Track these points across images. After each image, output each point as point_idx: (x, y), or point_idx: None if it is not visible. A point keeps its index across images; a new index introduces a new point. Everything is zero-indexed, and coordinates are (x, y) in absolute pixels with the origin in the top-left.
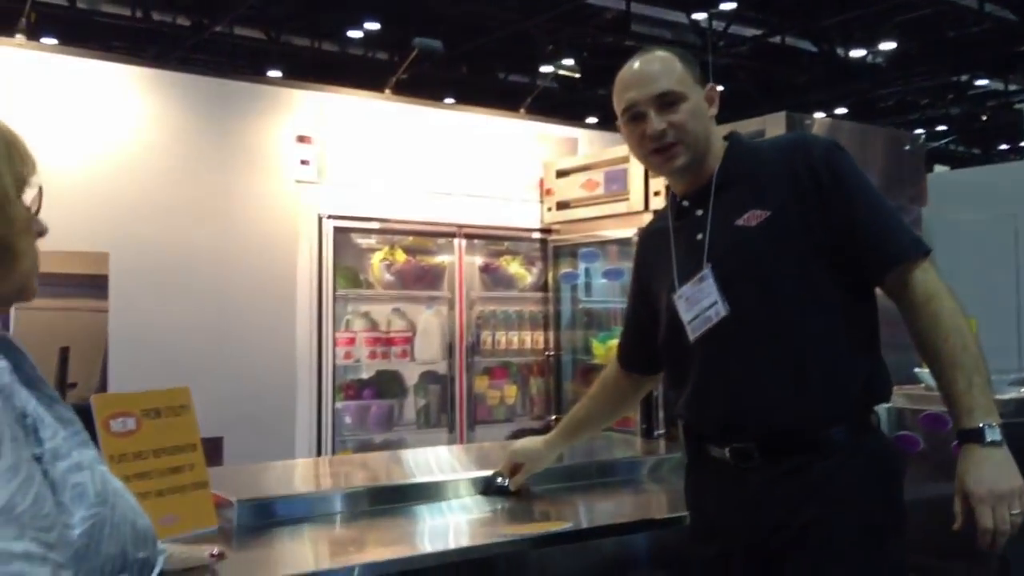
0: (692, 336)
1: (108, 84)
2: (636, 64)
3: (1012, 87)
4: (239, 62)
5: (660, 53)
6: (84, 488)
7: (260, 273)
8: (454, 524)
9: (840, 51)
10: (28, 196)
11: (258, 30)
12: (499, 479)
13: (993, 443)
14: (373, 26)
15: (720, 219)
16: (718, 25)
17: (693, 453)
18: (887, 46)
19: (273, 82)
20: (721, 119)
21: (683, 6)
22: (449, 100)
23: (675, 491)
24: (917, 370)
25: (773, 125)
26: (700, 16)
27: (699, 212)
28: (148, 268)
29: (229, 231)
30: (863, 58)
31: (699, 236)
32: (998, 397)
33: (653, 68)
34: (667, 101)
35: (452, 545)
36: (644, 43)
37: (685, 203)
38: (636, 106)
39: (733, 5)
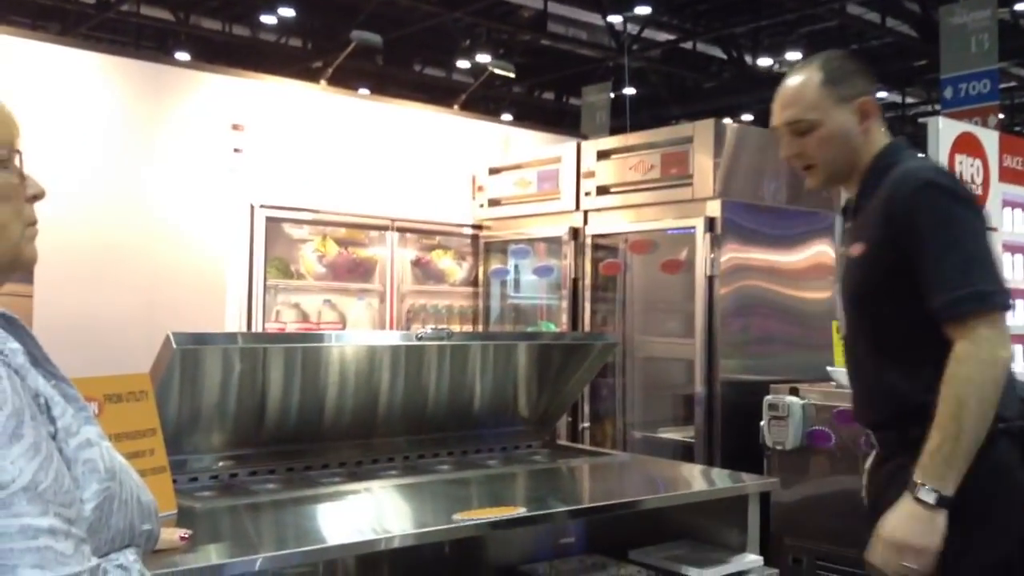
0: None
1: (25, 61)
2: (784, 82)
3: (910, 100)
4: (145, 43)
5: (802, 73)
6: (95, 464)
7: (189, 263)
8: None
9: (749, 59)
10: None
11: (166, 10)
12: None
13: (922, 502)
14: (287, 12)
15: (848, 242)
16: (632, 28)
17: None
18: (794, 56)
19: (203, 68)
20: (634, 122)
21: (599, 8)
22: (364, 91)
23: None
24: (829, 368)
25: (702, 131)
26: (616, 19)
27: (848, 225)
28: (74, 256)
29: (158, 219)
30: (770, 67)
31: (843, 250)
32: None
33: (788, 93)
34: (799, 129)
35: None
36: (560, 42)
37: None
38: (775, 129)
39: (648, 10)
